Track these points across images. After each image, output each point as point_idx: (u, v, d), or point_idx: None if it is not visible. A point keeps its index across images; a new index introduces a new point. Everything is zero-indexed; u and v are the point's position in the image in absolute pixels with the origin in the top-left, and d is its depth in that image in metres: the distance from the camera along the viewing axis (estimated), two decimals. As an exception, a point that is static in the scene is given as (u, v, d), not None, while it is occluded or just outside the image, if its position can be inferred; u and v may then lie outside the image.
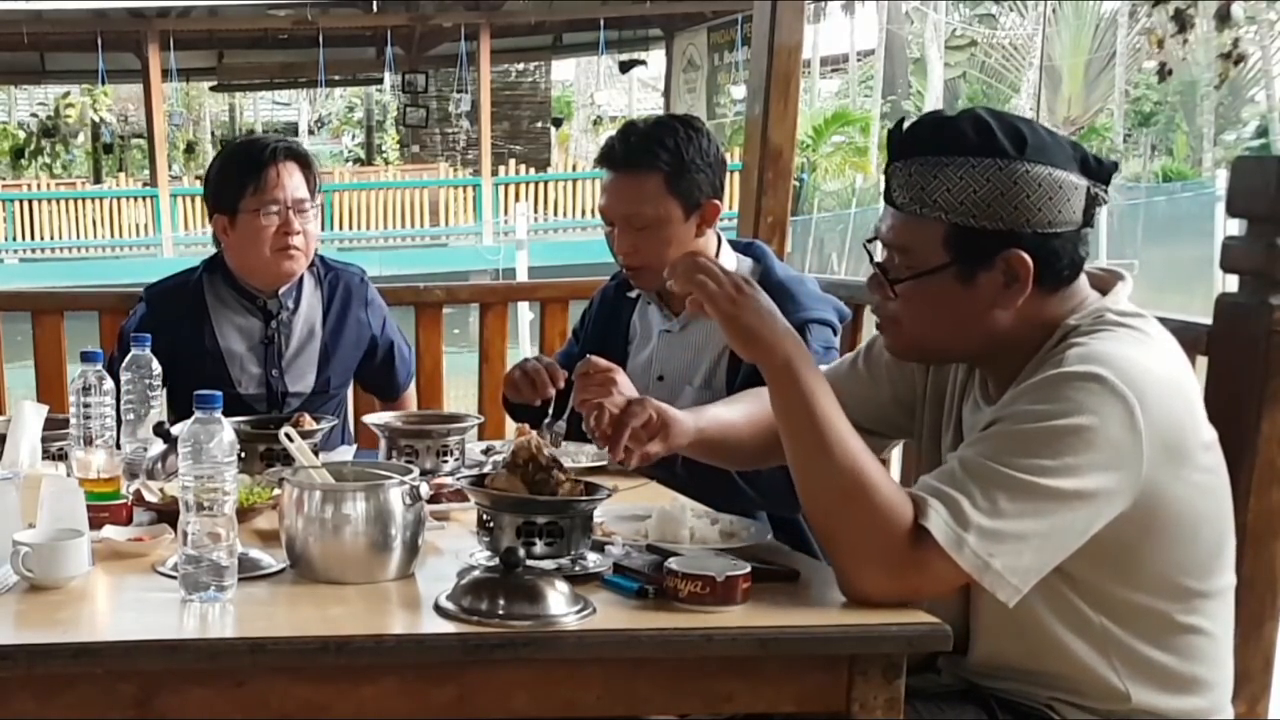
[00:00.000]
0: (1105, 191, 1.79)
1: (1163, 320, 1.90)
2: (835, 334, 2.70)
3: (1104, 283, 1.86)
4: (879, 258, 1.86)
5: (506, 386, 2.64)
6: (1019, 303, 1.77)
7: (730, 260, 2.76)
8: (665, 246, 2.66)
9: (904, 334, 1.87)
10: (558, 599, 1.71)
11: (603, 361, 2.50)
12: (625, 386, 2.52)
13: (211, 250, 3.20)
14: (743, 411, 2.13)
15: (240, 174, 3.01)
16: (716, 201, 2.69)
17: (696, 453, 2.10)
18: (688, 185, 2.63)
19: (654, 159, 2.62)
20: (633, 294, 2.90)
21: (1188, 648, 1.81)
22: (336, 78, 23.46)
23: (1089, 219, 1.78)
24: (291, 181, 3.00)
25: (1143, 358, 1.72)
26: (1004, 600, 1.69)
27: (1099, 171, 1.79)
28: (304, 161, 3.05)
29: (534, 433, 2.01)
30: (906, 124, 1.83)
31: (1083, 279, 1.83)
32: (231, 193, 3.02)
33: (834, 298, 2.76)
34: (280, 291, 3.09)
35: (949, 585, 1.71)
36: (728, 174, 2.81)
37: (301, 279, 3.13)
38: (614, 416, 1.98)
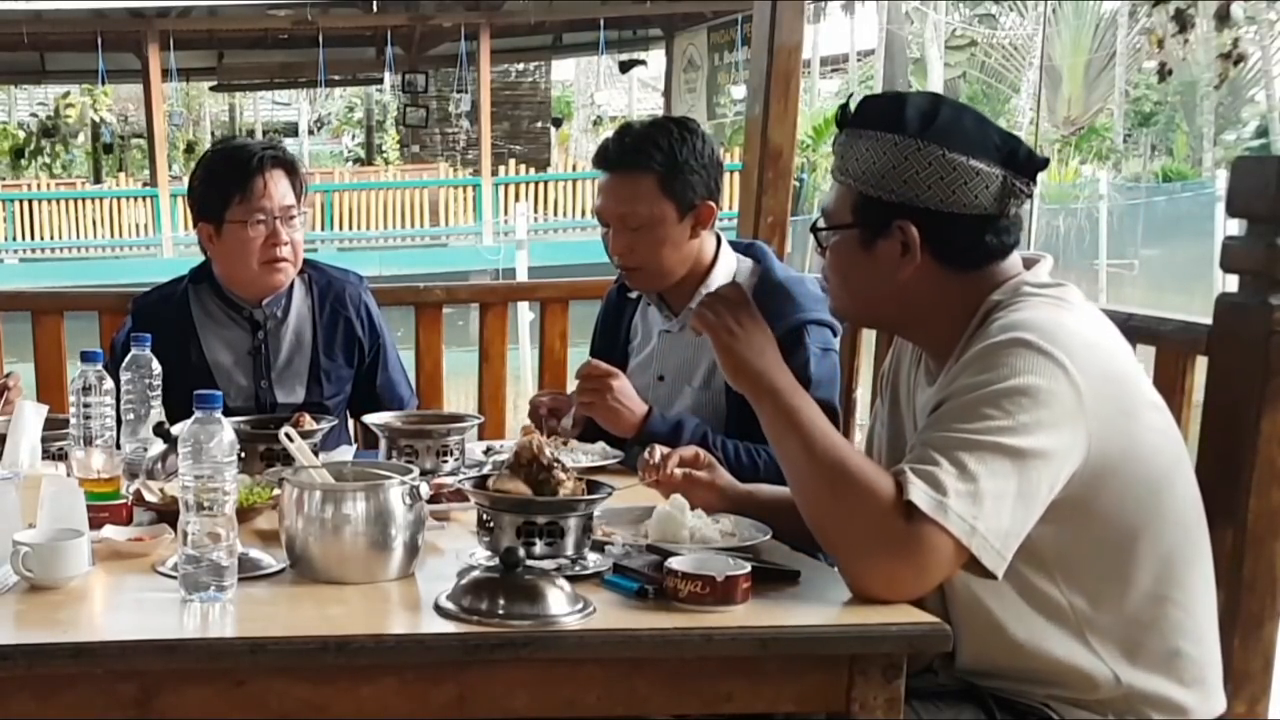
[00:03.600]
0: (1027, 186, 1.86)
1: (1162, 320, 1.90)
2: (835, 335, 2.70)
3: (1026, 264, 1.93)
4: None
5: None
6: (910, 271, 1.86)
7: (730, 261, 2.77)
8: (660, 247, 2.67)
9: (834, 294, 2.01)
10: (558, 599, 1.71)
11: (602, 365, 2.53)
12: (622, 392, 2.54)
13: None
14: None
15: (226, 183, 2.95)
16: (711, 203, 2.69)
17: (746, 507, 2.13)
18: (682, 186, 2.65)
19: (648, 160, 2.64)
20: (633, 295, 2.91)
21: (1163, 620, 1.82)
22: (336, 78, 23.45)
23: (1003, 208, 1.85)
24: (279, 190, 2.95)
25: (1063, 319, 1.79)
26: (990, 568, 1.71)
27: (1026, 165, 1.85)
28: (290, 168, 3.00)
29: (537, 433, 2.01)
30: (854, 100, 1.95)
31: (1012, 261, 1.90)
32: (217, 202, 2.96)
33: None
34: (266, 301, 3.05)
35: (949, 561, 1.72)
36: (724, 176, 2.82)
37: (291, 287, 3.08)
38: (665, 455, 2.14)
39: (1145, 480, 1.80)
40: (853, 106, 1.92)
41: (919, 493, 1.70)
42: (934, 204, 1.83)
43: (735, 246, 2.84)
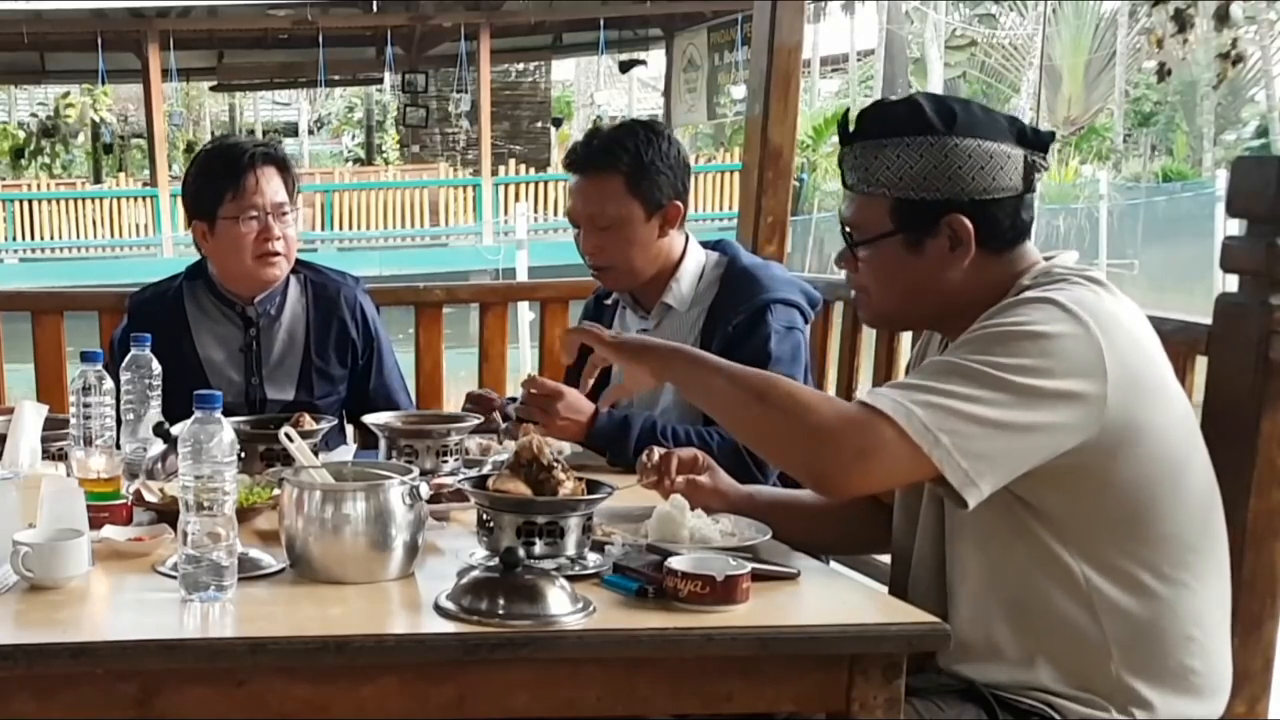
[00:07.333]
0: (1044, 158, 1.91)
1: (1162, 320, 1.90)
2: (802, 316, 2.73)
3: (1048, 259, 1.95)
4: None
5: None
6: (965, 263, 1.88)
7: (698, 255, 2.83)
8: (629, 246, 2.73)
9: (872, 302, 2.01)
10: (558, 599, 1.71)
11: (548, 384, 2.54)
12: (569, 408, 2.52)
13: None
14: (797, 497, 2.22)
15: (218, 180, 2.95)
16: (679, 203, 2.76)
17: (745, 509, 2.15)
18: (649, 186, 2.71)
19: (615, 160, 2.70)
20: (609, 300, 2.95)
21: (1177, 604, 1.82)
22: (336, 78, 23.45)
23: (1029, 184, 1.90)
24: (270, 186, 2.95)
25: (1099, 297, 1.81)
26: (956, 487, 1.71)
27: (1036, 141, 1.90)
28: (282, 165, 3.00)
29: (536, 433, 2.01)
30: (853, 113, 1.96)
31: (1032, 246, 1.93)
32: (209, 199, 2.97)
33: (804, 283, 2.83)
34: (260, 298, 3.05)
35: (909, 464, 1.73)
36: (692, 177, 2.87)
37: (286, 286, 3.08)
38: (662, 456, 2.14)
39: (1164, 459, 1.80)
40: (852, 120, 1.94)
41: (884, 400, 1.74)
42: (978, 193, 1.86)
43: (703, 244, 2.88)
